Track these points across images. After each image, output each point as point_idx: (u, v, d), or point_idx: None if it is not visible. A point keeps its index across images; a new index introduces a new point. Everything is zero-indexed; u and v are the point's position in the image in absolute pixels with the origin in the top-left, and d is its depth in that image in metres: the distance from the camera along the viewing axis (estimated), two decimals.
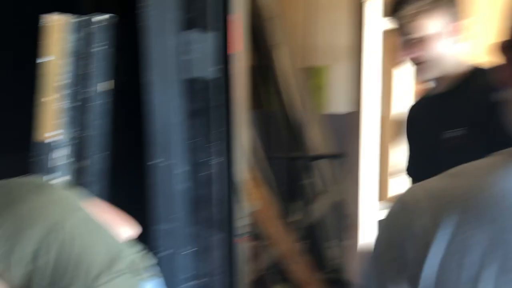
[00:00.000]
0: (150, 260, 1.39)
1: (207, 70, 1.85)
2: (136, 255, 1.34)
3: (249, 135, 2.39)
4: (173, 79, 1.82)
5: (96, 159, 1.79)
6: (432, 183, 0.65)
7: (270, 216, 2.73)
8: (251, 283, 2.38)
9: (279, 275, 2.96)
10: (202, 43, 1.83)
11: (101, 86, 1.80)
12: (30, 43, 1.76)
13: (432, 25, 1.60)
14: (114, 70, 1.81)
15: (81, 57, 1.78)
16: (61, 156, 1.75)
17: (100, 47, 1.79)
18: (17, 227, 1.19)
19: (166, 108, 1.82)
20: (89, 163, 1.77)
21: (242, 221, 2.04)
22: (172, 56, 1.81)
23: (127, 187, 1.76)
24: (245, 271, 2.11)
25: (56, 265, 1.18)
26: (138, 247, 1.39)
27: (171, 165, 1.84)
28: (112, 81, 1.81)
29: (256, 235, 2.68)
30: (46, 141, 1.73)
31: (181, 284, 1.87)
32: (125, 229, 1.43)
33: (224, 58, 1.87)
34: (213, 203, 1.93)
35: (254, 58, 2.89)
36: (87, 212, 1.32)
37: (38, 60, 1.75)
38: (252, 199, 2.45)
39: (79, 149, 1.78)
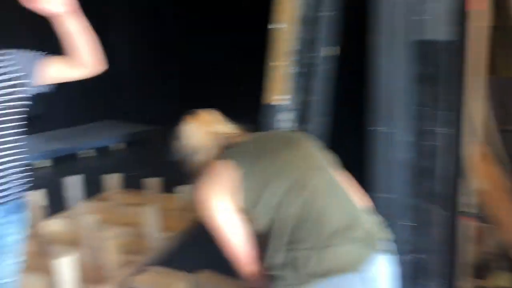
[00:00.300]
0: (387, 233, 1.34)
1: (440, 31, 1.69)
2: (373, 226, 1.31)
3: (482, 105, 2.14)
4: (401, 41, 1.72)
5: (319, 123, 1.82)
6: None
7: (500, 197, 2.43)
8: (472, 266, 2.18)
9: (506, 262, 2.65)
10: (436, 1, 1.67)
11: (327, 51, 1.81)
12: (263, 10, 1.87)
13: None
14: (340, 35, 1.80)
15: (309, 23, 1.81)
16: (286, 119, 1.84)
17: (328, 12, 1.79)
18: (268, 176, 1.28)
19: (392, 73, 1.74)
20: (312, 127, 1.82)
21: (467, 199, 1.86)
22: (402, 17, 1.70)
23: (347, 153, 1.76)
24: (467, 253, 1.94)
25: (295, 219, 1.24)
26: (377, 218, 1.36)
27: (394, 132, 1.77)
28: (338, 47, 1.80)
29: (483, 217, 2.43)
30: (273, 103, 1.84)
31: (398, 256, 1.81)
32: (365, 199, 1.42)
33: (460, 18, 1.68)
34: (436, 176, 1.80)
35: (492, 17, 2.55)
36: (331, 174, 1.34)
37: (270, 26, 1.85)
38: (481, 177, 2.21)
39: (303, 113, 1.84)
